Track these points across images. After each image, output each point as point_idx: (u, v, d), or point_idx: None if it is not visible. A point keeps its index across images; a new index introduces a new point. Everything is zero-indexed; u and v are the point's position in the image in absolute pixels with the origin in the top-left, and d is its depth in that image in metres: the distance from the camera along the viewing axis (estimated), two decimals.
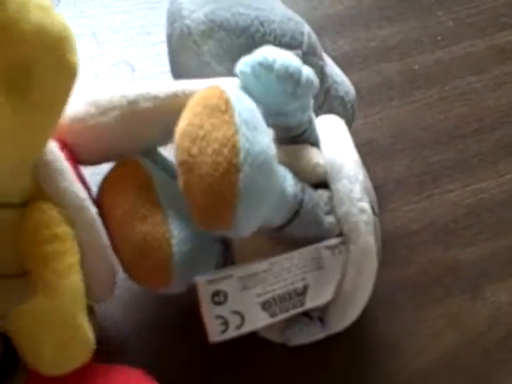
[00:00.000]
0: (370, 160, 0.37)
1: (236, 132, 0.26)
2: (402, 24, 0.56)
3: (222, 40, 0.38)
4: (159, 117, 0.31)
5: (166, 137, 0.30)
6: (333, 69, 0.43)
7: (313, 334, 0.33)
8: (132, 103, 0.31)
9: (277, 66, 0.29)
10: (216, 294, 0.29)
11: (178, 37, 0.40)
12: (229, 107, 0.26)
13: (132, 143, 0.32)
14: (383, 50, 0.54)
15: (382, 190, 0.37)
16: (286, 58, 0.29)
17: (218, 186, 0.26)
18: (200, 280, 0.29)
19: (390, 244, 0.41)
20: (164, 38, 0.41)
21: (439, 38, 0.55)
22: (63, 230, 0.27)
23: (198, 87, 0.31)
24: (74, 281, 0.27)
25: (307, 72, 0.30)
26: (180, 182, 0.27)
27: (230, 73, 0.32)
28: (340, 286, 0.32)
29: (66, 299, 0.26)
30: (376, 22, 0.56)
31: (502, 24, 0.56)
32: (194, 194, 0.27)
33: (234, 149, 0.25)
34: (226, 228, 0.27)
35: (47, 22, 0.23)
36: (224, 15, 0.38)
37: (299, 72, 0.29)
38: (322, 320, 0.33)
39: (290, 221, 0.30)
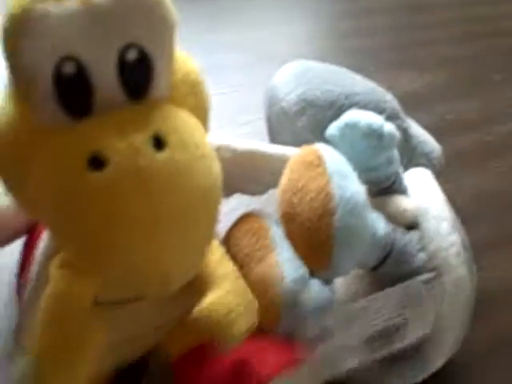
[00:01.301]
0: None
1: (329, 181, 0.30)
2: (475, 98, 0.63)
3: (313, 115, 0.43)
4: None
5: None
6: (417, 130, 0.46)
7: (412, 375, 0.34)
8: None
9: (361, 124, 0.33)
10: (321, 330, 0.33)
11: (276, 117, 0.46)
12: (322, 161, 0.31)
13: None
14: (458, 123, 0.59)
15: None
16: (369, 117, 0.33)
17: (316, 229, 0.30)
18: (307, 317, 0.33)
19: None
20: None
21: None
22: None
23: (274, 151, 0.37)
24: (228, 268, 0.31)
25: (389, 127, 0.33)
26: (284, 230, 0.32)
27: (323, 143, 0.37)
28: (437, 319, 0.33)
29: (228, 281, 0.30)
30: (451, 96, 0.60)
31: None
32: (296, 238, 0.31)
33: (328, 195, 0.30)
34: (325, 266, 0.30)
35: None
36: (314, 94, 0.44)
37: (381, 127, 0.33)
38: (418, 358, 0.34)
39: (382, 261, 0.33)
